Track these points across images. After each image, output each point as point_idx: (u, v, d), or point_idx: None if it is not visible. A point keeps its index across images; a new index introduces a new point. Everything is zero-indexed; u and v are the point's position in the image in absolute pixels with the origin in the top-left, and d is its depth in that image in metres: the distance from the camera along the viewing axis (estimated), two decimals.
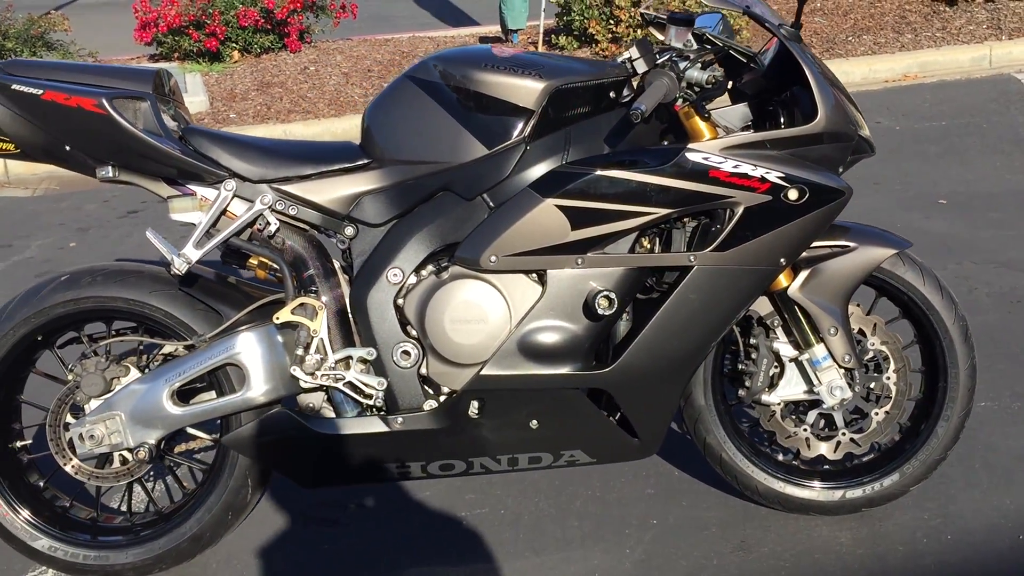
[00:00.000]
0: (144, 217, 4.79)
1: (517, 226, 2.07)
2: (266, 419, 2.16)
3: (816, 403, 2.31)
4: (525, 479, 2.59)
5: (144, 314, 2.20)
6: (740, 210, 2.07)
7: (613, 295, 2.05)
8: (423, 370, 2.16)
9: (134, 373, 2.21)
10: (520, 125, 2.13)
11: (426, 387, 2.18)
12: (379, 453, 2.21)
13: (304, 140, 2.33)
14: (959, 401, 2.32)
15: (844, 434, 2.34)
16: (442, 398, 2.17)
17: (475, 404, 2.15)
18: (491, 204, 2.14)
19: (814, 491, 2.38)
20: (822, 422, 2.36)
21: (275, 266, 2.18)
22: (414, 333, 2.16)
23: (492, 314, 2.12)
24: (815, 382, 2.27)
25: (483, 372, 2.11)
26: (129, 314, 2.22)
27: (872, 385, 2.32)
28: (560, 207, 2.05)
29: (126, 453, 2.22)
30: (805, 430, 2.34)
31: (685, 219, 2.14)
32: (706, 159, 2.06)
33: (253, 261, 2.28)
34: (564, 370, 2.13)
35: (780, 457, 2.43)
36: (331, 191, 2.19)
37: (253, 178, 2.16)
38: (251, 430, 2.16)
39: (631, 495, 2.54)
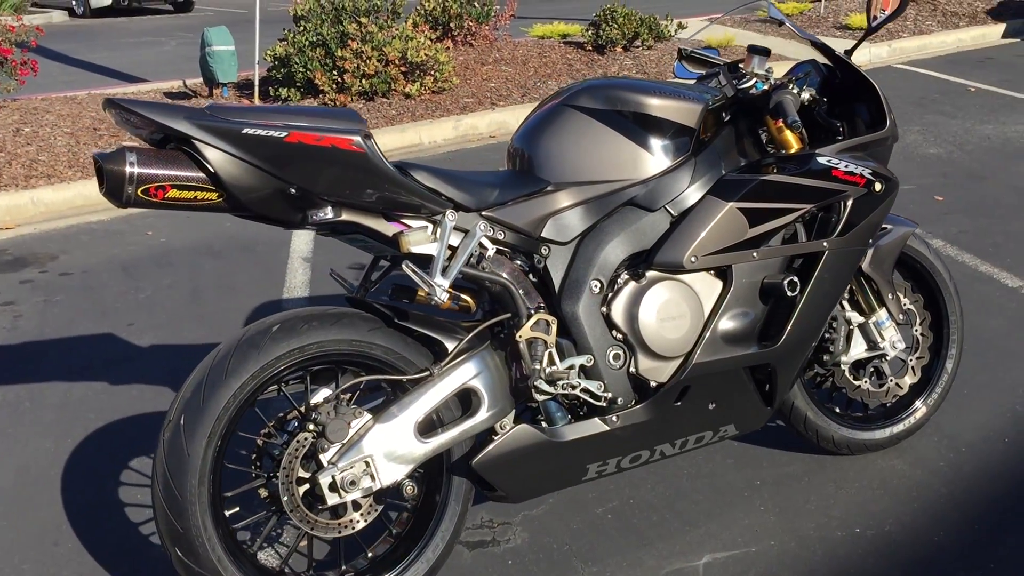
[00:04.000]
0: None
1: (710, 229, 2.37)
2: (511, 436, 2.22)
3: (871, 359, 2.85)
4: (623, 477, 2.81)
5: (365, 353, 2.17)
6: (850, 202, 2.55)
7: (796, 279, 2.42)
8: (631, 369, 2.36)
9: (366, 414, 2.16)
10: (687, 142, 2.43)
11: (634, 384, 2.38)
12: (591, 454, 2.36)
13: (487, 170, 2.40)
14: (958, 342, 2.99)
15: (892, 380, 2.90)
16: (651, 392, 2.39)
17: (679, 393, 2.39)
18: (673, 213, 2.41)
19: (872, 432, 2.91)
20: (874, 374, 2.90)
21: (497, 288, 2.25)
22: (619, 336, 2.36)
23: (692, 309, 2.39)
24: (879, 339, 2.80)
25: (696, 360, 2.37)
26: (351, 355, 2.16)
27: (912, 336, 2.91)
28: (741, 209, 2.39)
29: (361, 500, 2.15)
30: (865, 382, 2.87)
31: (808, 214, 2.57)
32: (829, 161, 2.51)
33: (422, 293, 2.33)
34: (750, 350, 2.46)
35: (837, 410, 2.92)
36: (526, 215, 2.32)
37: (470, 207, 2.23)
38: (500, 449, 2.21)
39: (721, 470, 2.89)
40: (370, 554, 2.28)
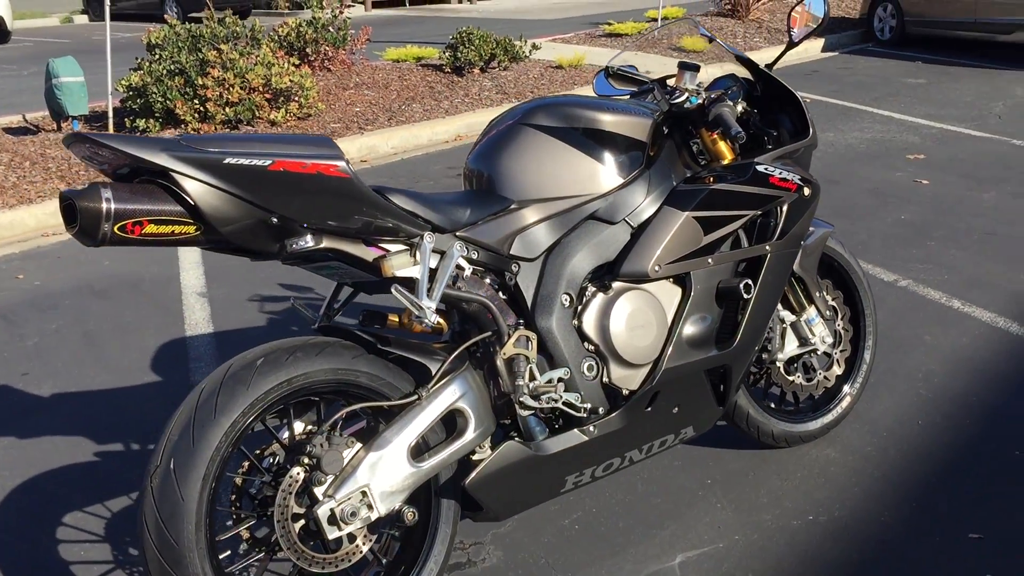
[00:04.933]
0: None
1: (670, 238, 2.46)
2: (501, 454, 2.24)
3: (802, 355, 3.01)
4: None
5: (351, 381, 2.13)
6: (786, 207, 2.70)
7: (750, 282, 2.53)
8: (604, 378, 2.42)
9: (357, 443, 2.12)
10: (640, 156, 2.51)
11: (607, 393, 2.43)
12: (571, 465, 2.39)
13: (454, 191, 2.39)
14: (873, 333, 3.20)
15: (820, 374, 3.07)
16: (623, 400, 2.44)
17: (650, 399, 2.46)
18: (633, 225, 2.48)
19: (806, 424, 3.07)
20: (804, 369, 3.06)
21: (474, 307, 2.26)
22: (591, 348, 2.41)
23: (657, 316, 2.47)
24: (809, 336, 2.97)
25: (665, 365, 2.44)
26: (336, 384, 2.12)
27: (834, 331, 3.09)
28: (696, 218, 2.49)
29: (356, 531, 2.11)
30: (798, 377, 3.02)
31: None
32: (766, 169, 2.65)
33: (394, 318, 2.33)
34: (711, 352, 2.55)
35: (772, 405, 3.07)
36: (495, 234, 2.34)
37: (445, 228, 2.23)
38: (491, 467, 2.22)
39: (672, 473, 2.99)
40: None
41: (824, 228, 3.02)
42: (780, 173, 2.67)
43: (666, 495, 2.87)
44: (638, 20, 13.62)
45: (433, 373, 2.21)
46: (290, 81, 7.45)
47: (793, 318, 2.96)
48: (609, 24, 12.92)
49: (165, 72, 7.31)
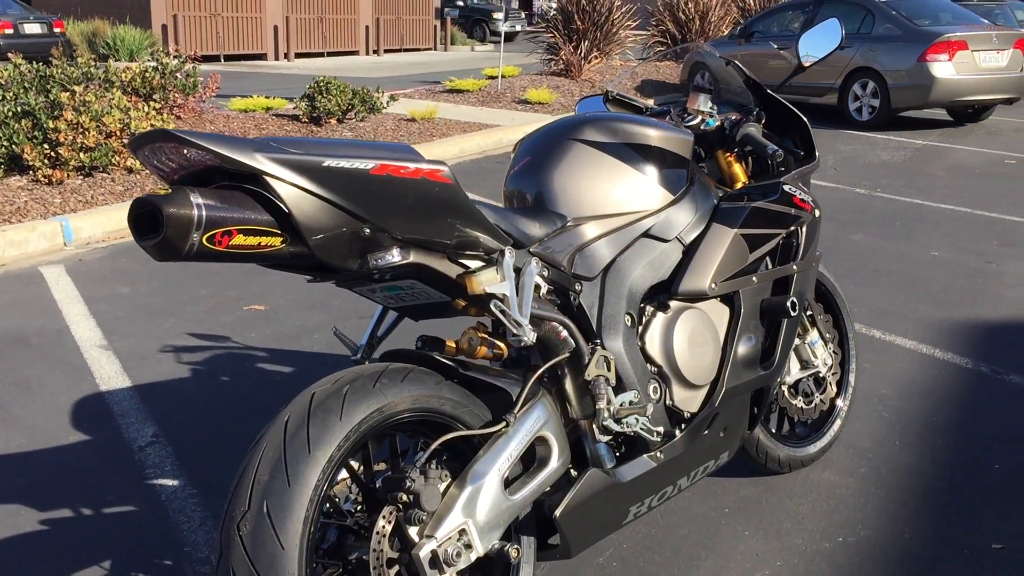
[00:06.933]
0: None
1: (723, 256, 2.40)
2: (586, 483, 2.08)
3: (803, 378, 3.01)
4: None
5: (435, 409, 1.93)
6: (805, 227, 2.71)
7: (795, 299, 2.51)
8: (667, 401, 2.31)
9: (448, 477, 1.91)
10: (686, 173, 2.46)
11: (669, 417, 2.33)
12: (637, 494, 2.26)
13: (510, 208, 2.22)
14: (856, 356, 3.25)
15: (818, 397, 3.08)
16: (684, 423, 2.34)
17: (709, 421, 2.38)
18: (684, 243, 2.41)
19: (807, 448, 3.06)
20: (804, 393, 3.06)
21: (549, 327, 2.11)
22: (654, 369, 2.30)
23: (712, 336, 2.39)
24: (812, 358, 2.98)
25: (726, 386, 2.36)
26: (423, 412, 1.91)
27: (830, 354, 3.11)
28: (743, 235, 2.45)
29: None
30: (799, 400, 3.03)
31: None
32: (791, 190, 2.65)
33: (451, 343, 2.16)
34: (757, 373, 2.50)
35: (772, 430, 3.05)
36: (560, 251, 2.21)
37: (523, 243, 2.08)
38: (578, 497, 2.06)
39: (685, 504, 2.90)
40: None
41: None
42: (800, 194, 2.68)
43: (691, 526, 2.78)
44: (477, 78, 13.78)
45: (514, 399, 2.04)
46: (151, 125, 6.99)
47: (798, 341, 2.97)
48: (451, 80, 13.00)
49: (11, 114, 6.69)
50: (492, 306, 1.93)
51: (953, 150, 9.95)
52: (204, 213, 1.58)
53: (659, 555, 2.63)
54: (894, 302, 4.87)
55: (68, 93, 6.83)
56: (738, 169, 2.74)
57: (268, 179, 1.64)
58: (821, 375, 3.02)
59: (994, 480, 3.04)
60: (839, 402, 3.16)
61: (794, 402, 3.00)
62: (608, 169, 2.35)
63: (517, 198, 2.40)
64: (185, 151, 1.62)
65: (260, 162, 1.63)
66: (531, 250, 2.12)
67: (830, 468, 3.13)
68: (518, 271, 2.05)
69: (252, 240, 1.67)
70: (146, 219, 1.60)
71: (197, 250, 1.60)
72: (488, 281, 1.96)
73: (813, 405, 3.07)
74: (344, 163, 1.71)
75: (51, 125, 6.65)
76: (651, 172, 2.39)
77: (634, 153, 2.38)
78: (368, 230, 1.77)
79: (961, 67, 10.82)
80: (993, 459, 3.18)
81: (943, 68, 10.75)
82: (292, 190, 1.66)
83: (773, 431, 3.02)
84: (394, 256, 1.83)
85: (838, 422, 3.16)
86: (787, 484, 3.02)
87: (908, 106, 11.16)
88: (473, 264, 1.98)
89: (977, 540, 2.70)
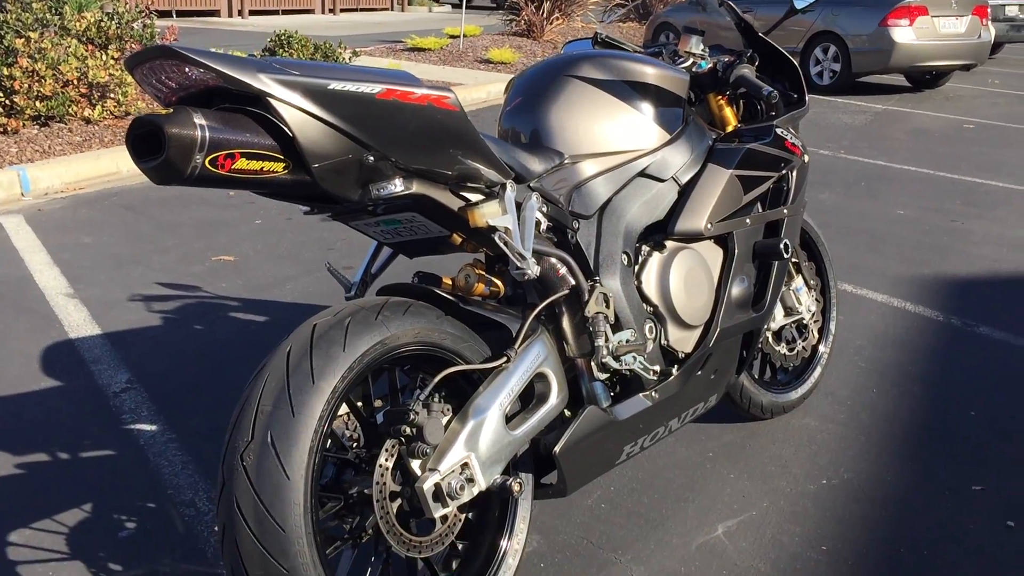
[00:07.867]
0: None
1: (719, 197, 2.39)
2: (585, 420, 2.07)
3: (787, 324, 3.02)
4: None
5: (436, 343, 1.90)
6: (795, 172, 2.70)
7: (788, 242, 2.50)
8: (663, 341, 2.31)
9: (450, 411, 1.89)
10: (682, 112, 2.43)
11: (664, 356, 2.32)
12: (632, 433, 2.26)
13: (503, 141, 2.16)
14: (836, 304, 3.27)
15: (800, 344, 3.10)
16: (679, 362, 2.34)
17: (703, 362, 2.37)
18: (679, 183, 2.39)
19: (788, 394, 3.08)
20: (787, 339, 3.08)
21: (550, 263, 2.08)
22: (650, 308, 2.29)
23: (707, 276, 2.39)
24: (796, 305, 2.99)
25: (720, 326, 2.36)
26: (424, 346, 1.87)
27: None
28: (738, 176, 2.44)
29: (448, 511, 1.88)
30: (783, 348, 3.04)
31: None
32: (783, 133, 2.64)
33: (447, 280, 2.13)
34: (749, 315, 2.50)
35: (756, 376, 3.07)
36: (559, 188, 2.19)
37: (524, 178, 2.05)
38: (577, 434, 2.05)
39: (671, 448, 2.91)
40: (455, 566, 2.00)
41: None
42: (791, 138, 2.67)
43: (676, 470, 2.78)
44: (439, 36, 13.62)
45: (513, 335, 2.01)
46: (109, 75, 6.81)
47: (783, 287, 2.97)
48: (412, 39, 12.83)
49: None
50: (496, 238, 1.90)
51: (913, 114, 10.05)
52: (208, 134, 1.53)
53: (647, 497, 2.63)
54: (865, 258, 4.91)
55: (23, 40, 6.61)
56: (729, 112, 2.72)
57: (272, 101, 1.59)
58: (804, 322, 3.04)
59: (970, 426, 3.09)
60: (821, 348, 3.18)
61: (777, 348, 3.01)
62: (605, 107, 2.32)
63: (513, 136, 2.36)
64: (187, 70, 1.57)
65: (264, 83, 1.58)
66: (531, 185, 2.09)
67: (810, 415, 3.15)
68: (519, 205, 2.02)
69: (255, 164, 1.63)
70: (145, 141, 1.54)
71: (199, 173, 1.55)
72: (490, 214, 1.93)
73: (795, 352, 3.08)
74: (350, 86, 1.67)
75: (6, 72, 6.44)
76: (648, 111, 2.37)
77: (631, 91, 2.35)
78: (372, 158, 1.73)
79: (921, 32, 10.90)
80: (968, 406, 3.23)
81: (903, 33, 10.82)
82: (296, 113, 1.61)
83: (756, 377, 3.03)
84: (396, 186, 1.79)
85: (819, 369, 3.18)
86: (769, 430, 3.04)
87: (869, 71, 11.23)
88: (474, 197, 1.94)
89: (958, 482, 2.74)
